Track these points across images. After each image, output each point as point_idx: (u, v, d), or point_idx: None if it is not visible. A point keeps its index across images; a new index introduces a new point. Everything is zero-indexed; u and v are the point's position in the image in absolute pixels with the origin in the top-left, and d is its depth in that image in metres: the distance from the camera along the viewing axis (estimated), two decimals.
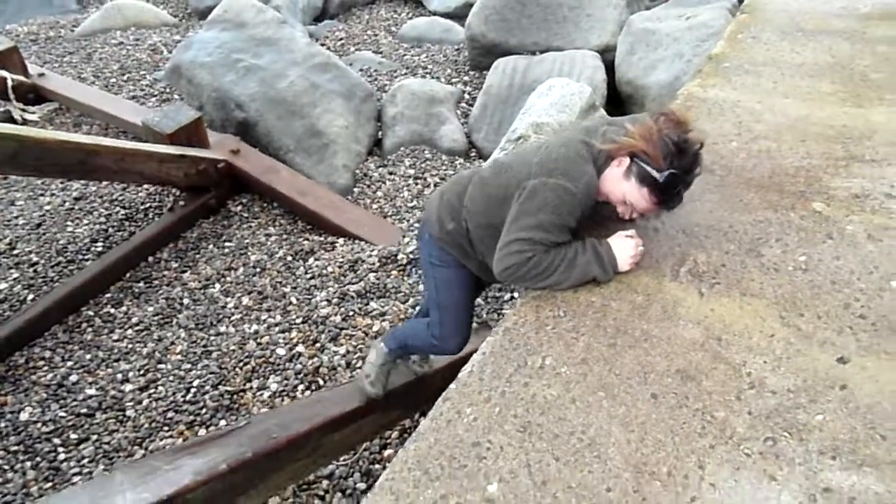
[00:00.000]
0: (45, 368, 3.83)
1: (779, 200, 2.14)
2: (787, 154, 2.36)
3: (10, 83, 5.86)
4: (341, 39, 7.10)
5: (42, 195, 5.18)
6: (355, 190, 5.07)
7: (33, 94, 6.15)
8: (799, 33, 3.15)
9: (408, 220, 4.69)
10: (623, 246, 1.88)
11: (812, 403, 1.52)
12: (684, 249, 1.98)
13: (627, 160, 1.81)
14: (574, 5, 5.77)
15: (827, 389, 1.55)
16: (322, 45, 6.79)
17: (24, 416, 3.54)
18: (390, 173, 5.19)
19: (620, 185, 1.83)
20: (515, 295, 3.58)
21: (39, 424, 3.49)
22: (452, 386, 1.67)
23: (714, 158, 2.34)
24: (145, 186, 5.05)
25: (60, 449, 3.36)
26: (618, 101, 5.33)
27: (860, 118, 2.54)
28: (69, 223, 4.81)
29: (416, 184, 5.04)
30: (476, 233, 2.08)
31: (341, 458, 3.16)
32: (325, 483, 3.08)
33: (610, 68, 5.42)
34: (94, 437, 3.40)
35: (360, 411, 2.51)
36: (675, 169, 1.73)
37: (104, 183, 5.14)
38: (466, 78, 6.17)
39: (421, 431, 1.57)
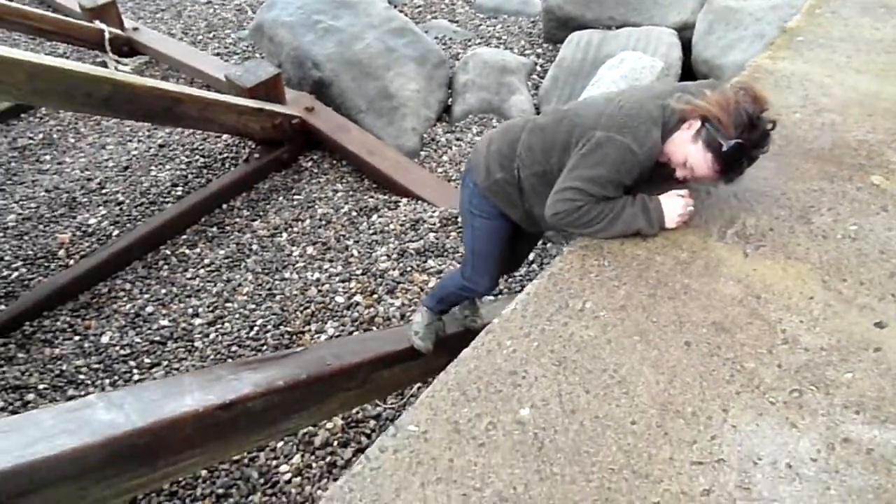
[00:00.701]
0: (125, 299, 4.15)
1: (836, 171, 2.14)
2: (852, 127, 2.33)
3: (107, 35, 6.22)
4: (419, 7, 7.18)
5: (130, 141, 5.52)
6: (422, 153, 5.19)
7: (127, 47, 6.51)
8: (882, 9, 3.05)
9: None
10: (673, 204, 1.92)
11: (843, 362, 1.56)
12: (734, 212, 2.02)
13: (698, 123, 1.82)
14: None
15: (860, 350, 1.58)
16: (400, 11, 6.90)
17: (104, 340, 3.86)
18: (457, 139, 5.28)
19: (685, 147, 1.84)
20: None
21: (118, 348, 3.81)
22: (495, 321, 1.77)
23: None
24: (223, 138, 5.31)
25: (135, 371, 3.66)
26: (692, 80, 5.23)
27: None
28: (153, 168, 5.13)
29: None
30: (529, 181, 2.12)
31: (389, 402, 3.34)
32: (372, 423, 3.26)
33: (687, 47, 5.32)
34: (165, 362, 3.68)
35: (410, 353, 2.65)
36: (743, 140, 1.75)
37: (186, 132, 5.43)
38: (540, 50, 6.17)
39: (462, 358, 1.69)
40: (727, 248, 1.90)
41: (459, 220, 4.32)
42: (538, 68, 5.92)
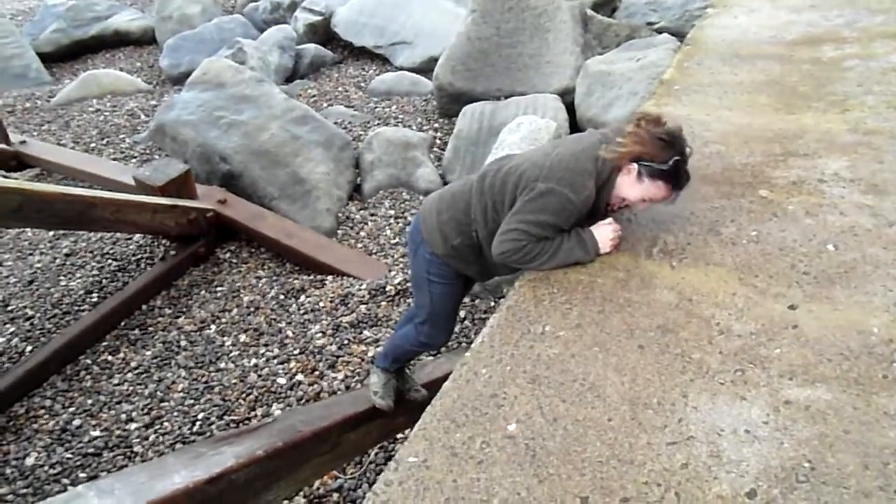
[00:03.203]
0: (46, 416, 3.93)
1: (730, 190, 2.49)
2: (735, 154, 2.74)
3: None
4: (314, 96, 7.46)
5: (31, 255, 5.32)
6: (339, 232, 5.32)
7: (15, 162, 6.32)
8: (736, 59, 3.61)
9: (392, 256, 4.95)
10: (604, 232, 2.18)
11: (770, 341, 1.82)
12: (655, 234, 2.30)
13: (634, 166, 2.07)
14: (533, 53, 6.24)
15: (782, 330, 1.85)
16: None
17: (29, 462, 3.63)
18: (371, 215, 5.47)
19: (636, 189, 2.09)
20: None
21: (46, 467, 3.59)
22: (467, 354, 1.92)
23: None
24: (135, 239, 5.23)
25: (70, 488, 3.45)
26: None
27: (793, 122, 2.95)
28: (62, 278, 4.96)
29: (398, 223, 5.32)
30: (487, 240, 2.26)
31: (349, 472, 3.34)
32: (335, 496, 3.24)
33: (570, 108, 5.84)
34: (104, 473, 3.50)
35: (373, 413, 2.72)
36: (676, 155, 2.03)
37: (94, 239, 5.32)
38: (437, 125, 6.56)
39: (444, 391, 1.81)
40: (656, 263, 2.16)
41: (389, 292, 4.45)
42: (437, 141, 6.29)
